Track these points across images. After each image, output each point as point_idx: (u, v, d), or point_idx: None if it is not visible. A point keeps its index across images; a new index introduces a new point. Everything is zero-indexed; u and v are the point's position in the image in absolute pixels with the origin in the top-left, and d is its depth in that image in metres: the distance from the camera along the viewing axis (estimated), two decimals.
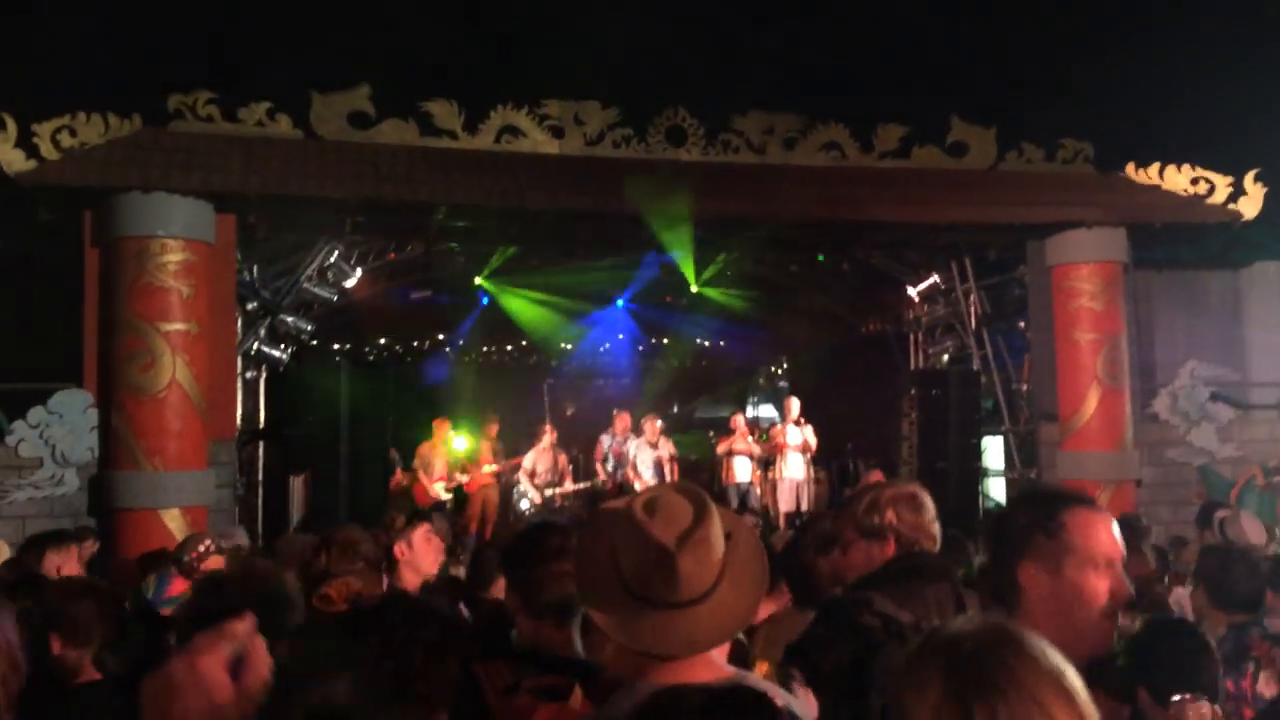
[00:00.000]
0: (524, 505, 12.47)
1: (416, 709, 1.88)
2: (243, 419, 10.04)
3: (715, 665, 1.90)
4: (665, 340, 18.65)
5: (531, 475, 12.53)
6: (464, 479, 12.29)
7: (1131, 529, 4.86)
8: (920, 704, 1.25)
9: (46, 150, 8.23)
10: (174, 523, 8.01)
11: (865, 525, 2.85)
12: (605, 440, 12.99)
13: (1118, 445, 10.26)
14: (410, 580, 4.23)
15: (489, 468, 12.69)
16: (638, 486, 11.88)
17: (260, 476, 10.64)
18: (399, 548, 4.24)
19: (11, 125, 8.12)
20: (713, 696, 1.40)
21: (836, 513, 3.11)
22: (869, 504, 2.88)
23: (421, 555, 4.31)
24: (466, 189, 9.32)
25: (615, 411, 13.39)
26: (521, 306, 15.38)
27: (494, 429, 13.04)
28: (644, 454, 12.60)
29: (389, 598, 3.22)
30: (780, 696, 1.90)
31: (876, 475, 8.84)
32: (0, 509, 8.30)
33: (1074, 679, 1.28)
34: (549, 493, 12.43)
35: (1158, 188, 10.69)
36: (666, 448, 12.73)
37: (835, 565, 2.93)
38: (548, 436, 12.81)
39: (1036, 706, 1.23)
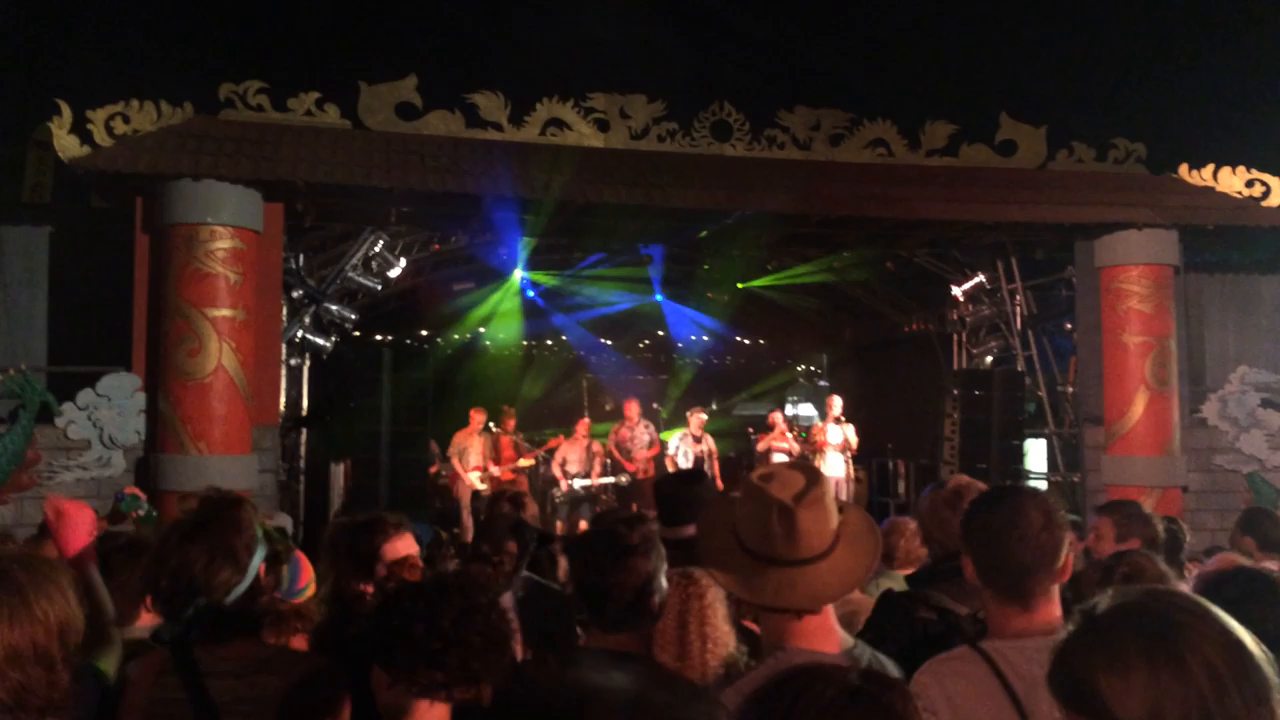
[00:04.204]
0: (556, 496, 12.52)
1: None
2: (287, 406, 10.14)
3: (836, 631, 2.12)
4: (705, 336, 18.61)
5: (562, 465, 12.55)
6: (496, 472, 12.26)
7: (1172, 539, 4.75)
8: (1125, 685, 1.20)
9: (100, 137, 8.36)
10: None
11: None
12: (624, 432, 12.95)
13: (1164, 450, 10.09)
14: None
15: (525, 463, 12.69)
16: None
17: (303, 463, 10.74)
18: None
19: (67, 112, 8.24)
20: (853, 683, 1.46)
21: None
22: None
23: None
24: (511, 181, 9.35)
25: (625, 400, 13.43)
26: (557, 299, 15.43)
27: (510, 422, 12.93)
28: (686, 446, 12.57)
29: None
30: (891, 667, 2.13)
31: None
32: (50, 489, 8.44)
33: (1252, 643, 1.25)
34: (578, 484, 12.43)
35: (1211, 189, 10.51)
36: (707, 443, 12.69)
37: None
38: (580, 429, 12.78)
39: (1207, 672, 1.18)
